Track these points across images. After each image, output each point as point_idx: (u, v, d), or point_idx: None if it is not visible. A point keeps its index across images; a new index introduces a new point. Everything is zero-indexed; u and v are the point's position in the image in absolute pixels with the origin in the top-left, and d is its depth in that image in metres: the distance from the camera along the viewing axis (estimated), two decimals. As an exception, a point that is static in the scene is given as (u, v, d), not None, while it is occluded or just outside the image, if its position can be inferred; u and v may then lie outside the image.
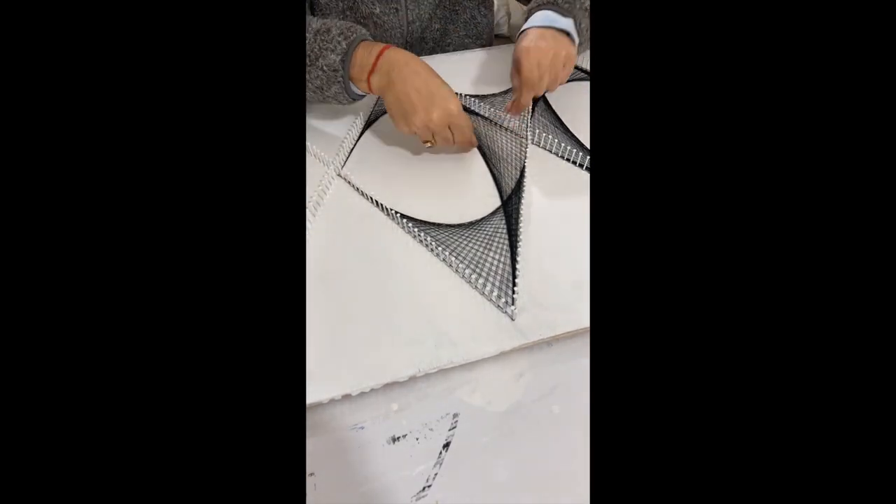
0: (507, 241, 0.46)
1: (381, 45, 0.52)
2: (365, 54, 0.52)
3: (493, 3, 0.82)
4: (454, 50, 0.80)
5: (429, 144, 0.54)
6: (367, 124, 0.62)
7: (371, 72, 0.51)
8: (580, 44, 0.61)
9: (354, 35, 0.52)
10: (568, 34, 0.59)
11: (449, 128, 0.52)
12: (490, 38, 0.85)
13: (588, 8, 0.60)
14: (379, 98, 0.66)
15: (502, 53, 0.77)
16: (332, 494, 0.33)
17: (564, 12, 0.59)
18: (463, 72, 0.72)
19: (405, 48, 0.76)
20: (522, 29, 0.60)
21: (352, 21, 0.74)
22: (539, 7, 0.61)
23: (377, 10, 0.72)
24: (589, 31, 0.61)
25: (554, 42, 0.57)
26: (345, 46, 0.51)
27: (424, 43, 0.78)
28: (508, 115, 0.60)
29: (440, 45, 0.80)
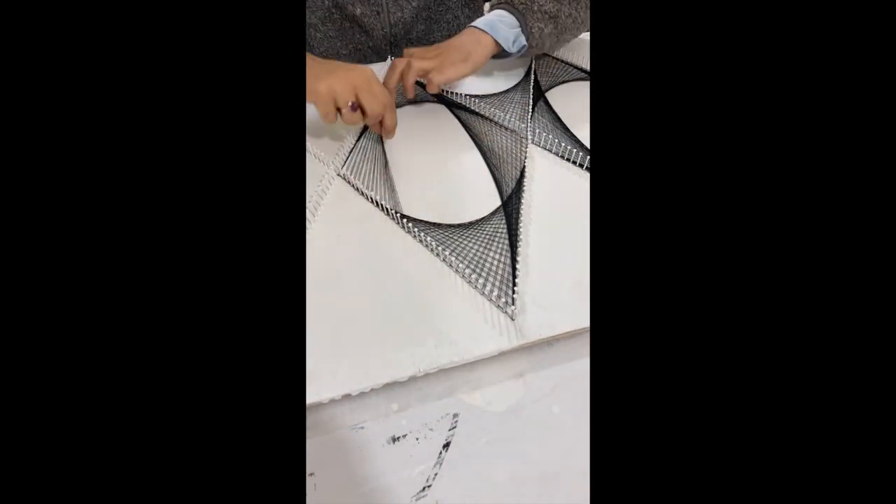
0: (507, 241, 0.46)
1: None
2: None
3: (480, 4, 0.82)
4: None
5: (330, 119, 0.50)
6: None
7: None
8: (529, 47, 0.65)
9: None
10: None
11: (357, 96, 0.50)
12: None
13: (550, 12, 0.63)
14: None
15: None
16: (332, 494, 0.33)
17: (517, 13, 0.63)
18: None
19: (388, 48, 0.79)
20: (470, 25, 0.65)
21: (337, 20, 0.75)
22: (496, 5, 0.65)
23: (358, 12, 0.73)
24: (546, 36, 0.64)
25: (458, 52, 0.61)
26: None
27: (409, 42, 0.79)
28: (509, 116, 0.60)
29: (423, 44, 0.80)
